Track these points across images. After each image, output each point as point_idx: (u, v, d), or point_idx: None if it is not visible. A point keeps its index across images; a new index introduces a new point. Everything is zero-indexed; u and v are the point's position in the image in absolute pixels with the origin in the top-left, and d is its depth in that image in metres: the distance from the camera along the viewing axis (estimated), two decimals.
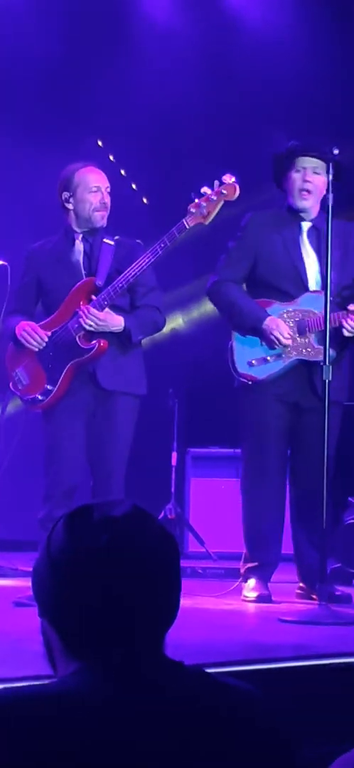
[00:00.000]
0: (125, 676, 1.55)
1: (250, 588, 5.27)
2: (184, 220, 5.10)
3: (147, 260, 5.11)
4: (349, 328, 5.21)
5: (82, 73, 7.65)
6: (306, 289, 5.31)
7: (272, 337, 5.24)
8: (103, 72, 7.75)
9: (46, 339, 5.25)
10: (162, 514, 7.12)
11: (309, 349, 5.28)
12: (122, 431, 5.29)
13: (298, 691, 3.48)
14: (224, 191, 5.12)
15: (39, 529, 5.13)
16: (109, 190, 5.34)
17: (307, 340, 5.29)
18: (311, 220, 5.38)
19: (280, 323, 5.25)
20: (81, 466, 5.31)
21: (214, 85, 8.03)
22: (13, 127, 7.41)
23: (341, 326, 5.20)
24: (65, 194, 5.32)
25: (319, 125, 7.45)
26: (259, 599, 5.20)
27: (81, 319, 5.13)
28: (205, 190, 5.15)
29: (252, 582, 5.28)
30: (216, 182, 5.15)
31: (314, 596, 4.98)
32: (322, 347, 4.99)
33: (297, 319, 5.28)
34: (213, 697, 1.58)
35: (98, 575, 1.57)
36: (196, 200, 5.12)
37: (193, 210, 5.11)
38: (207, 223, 5.17)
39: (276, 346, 5.26)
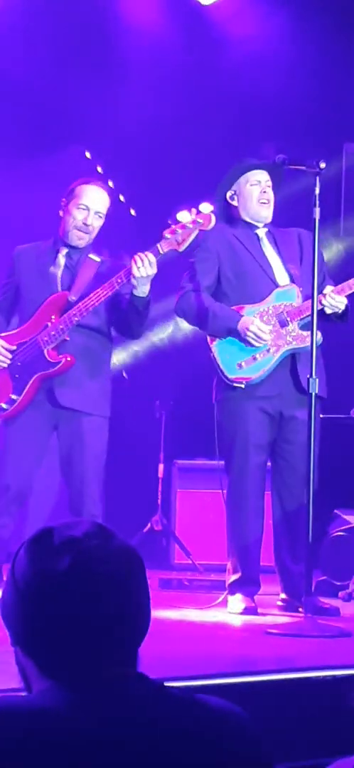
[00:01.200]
0: (97, 693, 1.55)
1: (237, 601, 5.27)
2: (158, 245, 5.09)
3: (120, 281, 5.09)
4: (328, 304, 5.27)
5: (70, 85, 7.65)
6: (275, 285, 5.38)
7: (249, 335, 5.24)
8: (90, 83, 7.75)
9: (10, 356, 5.24)
10: (148, 525, 7.12)
11: (296, 339, 5.30)
12: (91, 450, 5.28)
13: (284, 703, 3.48)
14: (200, 220, 5.12)
15: None
16: (101, 216, 5.31)
17: (291, 330, 5.31)
18: (265, 226, 5.51)
19: (255, 320, 5.27)
20: (30, 475, 5.28)
21: (202, 98, 8.05)
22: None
23: (321, 307, 5.23)
24: (63, 200, 5.35)
25: (307, 136, 7.48)
26: (246, 611, 5.20)
27: (139, 269, 5.01)
28: (181, 216, 5.17)
29: (238, 595, 5.28)
30: (193, 210, 5.16)
31: (300, 608, 4.98)
32: (309, 331, 5.05)
33: (275, 314, 5.31)
34: (187, 715, 1.58)
35: (64, 597, 1.57)
36: (172, 226, 5.13)
37: (168, 236, 5.10)
38: (181, 250, 5.18)
39: (256, 344, 5.26)
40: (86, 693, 1.54)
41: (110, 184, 8.14)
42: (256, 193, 5.44)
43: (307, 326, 5.22)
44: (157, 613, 5.21)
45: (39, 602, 1.59)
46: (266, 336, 5.26)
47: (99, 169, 8.20)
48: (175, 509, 7.38)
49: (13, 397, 5.22)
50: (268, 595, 5.52)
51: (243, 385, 5.30)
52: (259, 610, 5.25)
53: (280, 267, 5.43)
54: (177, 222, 5.15)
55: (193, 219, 5.12)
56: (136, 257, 5.02)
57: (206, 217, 5.15)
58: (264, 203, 5.45)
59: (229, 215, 5.54)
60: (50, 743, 1.47)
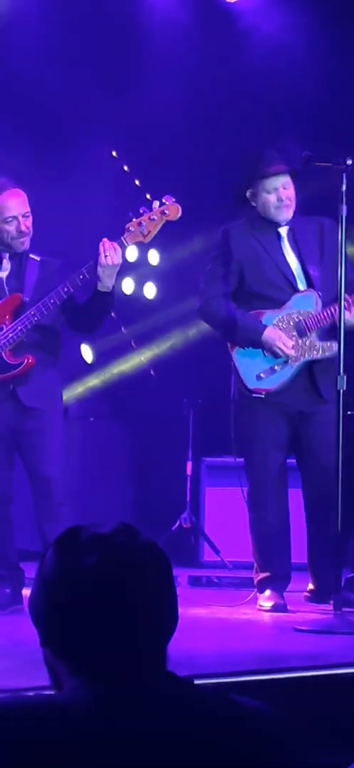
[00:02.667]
0: (127, 689, 1.56)
1: (266, 598, 5.27)
2: (122, 238, 5.09)
3: (82, 278, 5.06)
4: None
5: (92, 82, 7.67)
6: (295, 290, 5.35)
7: (275, 349, 5.25)
8: (114, 80, 7.78)
9: None
10: (177, 523, 7.13)
11: (314, 349, 5.30)
12: (52, 443, 5.22)
13: (314, 700, 3.48)
14: (167, 211, 5.10)
15: None
16: (27, 214, 5.24)
17: (310, 341, 5.30)
18: (287, 224, 5.43)
19: (281, 334, 5.26)
20: (6, 479, 5.23)
21: (226, 92, 8.04)
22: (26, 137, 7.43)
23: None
24: None
25: (328, 132, 7.45)
26: (275, 609, 5.20)
27: (106, 257, 5.01)
28: (144, 209, 5.14)
29: (267, 592, 5.29)
30: (156, 202, 5.13)
31: (328, 600, 4.97)
32: (326, 342, 5.06)
33: (294, 323, 5.29)
34: (217, 714, 1.58)
35: (91, 594, 1.58)
36: (135, 219, 5.11)
37: (132, 228, 5.10)
38: (147, 241, 5.20)
39: (280, 356, 5.27)
40: (116, 691, 1.55)
41: (114, 154, 8.16)
42: (272, 200, 5.36)
43: (324, 335, 5.26)
44: (187, 611, 5.22)
45: (67, 600, 1.60)
46: (289, 351, 5.25)
47: (125, 168, 8.22)
48: (204, 507, 7.38)
49: None
50: (297, 592, 5.52)
51: (263, 396, 5.30)
52: (289, 607, 5.25)
53: (299, 270, 5.38)
54: (141, 214, 5.13)
55: (159, 210, 5.11)
56: (103, 244, 5.01)
57: (173, 207, 5.12)
58: (280, 208, 5.36)
59: (249, 211, 5.50)
60: (81, 741, 1.49)
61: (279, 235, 5.43)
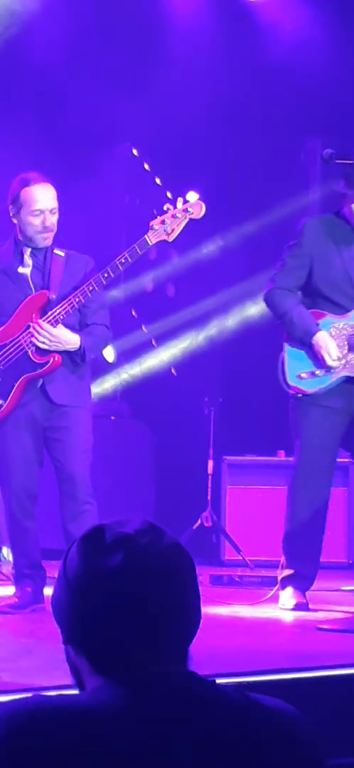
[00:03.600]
0: (150, 689, 1.56)
1: (287, 596, 5.25)
2: (145, 237, 5.05)
3: (108, 274, 5.03)
4: None
5: (114, 81, 7.69)
6: None
7: (320, 355, 5.22)
8: (135, 78, 7.79)
9: None
10: (198, 522, 7.13)
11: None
12: (80, 440, 5.21)
13: (337, 699, 3.47)
14: (190, 209, 5.08)
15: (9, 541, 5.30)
16: (54, 211, 5.19)
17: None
18: None
19: (329, 343, 5.21)
20: (35, 475, 5.23)
21: (246, 91, 8.03)
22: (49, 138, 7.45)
23: None
24: (11, 208, 5.22)
25: (351, 130, 7.43)
26: (297, 608, 5.18)
27: (33, 337, 5.07)
28: (168, 206, 5.10)
29: (289, 590, 5.27)
30: (180, 200, 5.10)
31: None
32: None
33: (348, 335, 5.23)
34: (240, 714, 1.58)
35: (116, 594, 1.58)
36: (159, 217, 5.08)
37: (156, 226, 5.06)
38: (171, 240, 5.13)
39: (324, 364, 5.23)
40: (139, 690, 1.55)
41: (146, 167, 8.15)
42: None
43: None
44: (208, 609, 5.22)
45: (91, 599, 1.60)
46: (332, 362, 5.20)
47: (146, 166, 8.22)
48: (225, 505, 7.38)
49: (0, 401, 5.16)
50: (324, 591, 5.51)
51: (300, 396, 5.28)
52: (311, 606, 5.23)
53: None
54: (164, 212, 5.09)
55: (183, 208, 5.08)
56: (32, 328, 5.09)
57: (196, 205, 5.09)
58: None
59: (339, 204, 5.35)
60: (105, 741, 1.49)
61: None
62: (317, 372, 5.25)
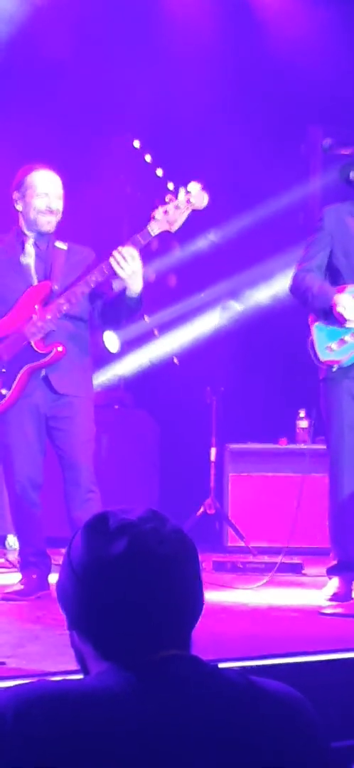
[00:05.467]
0: (154, 674, 1.59)
1: (330, 586, 5.15)
2: (147, 227, 5.04)
3: (111, 266, 4.99)
4: None
5: (116, 74, 7.71)
6: None
7: (337, 312, 5.16)
8: (137, 73, 7.80)
9: None
10: (201, 509, 7.17)
11: None
12: (83, 429, 5.24)
13: (339, 683, 3.51)
14: (193, 200, 5.07)
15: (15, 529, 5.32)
16: (60, 196, 5.23)
17: None
18: None
19: (346, 298, 5.17)
20: (38, 464, 5.26)
21: (248, 84, 8.06)
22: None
23: None
24: (16, 194, 5.25)
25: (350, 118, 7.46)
26: (334, 598, 5.07)
27: (122, 269, 4.93)
28: (170, 197, 5.09)
29: (334, 580, 5.16)
30: (182, 189, 5.09)
31: None
32: None
33: None
34: (243, 698, 1.60)
35: (120, 579, 1.61)
36: (161, 207, 5.06)
37: (157, 216, 5.05)
38: (173, 230, 5.11)
39: (345, 324, 5.18)
40: (143, 674, 1.58)
41: (136, 144, 8.13)
42: None
43: None
44: (212, 595, 5.27)
45: (96, 585, 1.62)
46: (350, 315, 5.16)
47: (148, 157, 8.24)
48: (228, 492, 7.43)
49: (3, 392, 5.17)
50: (321, 577, 5.54)
51: (334, 368, 5.22)
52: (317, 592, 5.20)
53: None
54: (166, 203, 5.08)
55: (186, 198, 5.06)
56: (114, 256, 4.94)
57: (199, 195, 5.08)
58: None
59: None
60: (109, 724, 1.51)
61: None
62: (346, 338, 5.22)
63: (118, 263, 4.94)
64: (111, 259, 4.96)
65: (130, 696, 1.55)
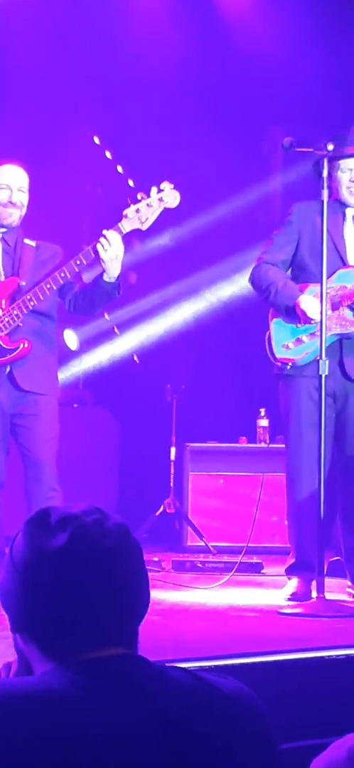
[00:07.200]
0: (97, 673, 1.56)
1: (288, 586, 5.17)
2: (119, 225, 5.03)
3: (79, 264, 5.02)
4: None
5: (76, 72, 7.67)
6: (344, 264, 5.26)
7: (301, 312, 5.17)
8: (97, 70, 7.77)
9: None
10: (161, 508, 7.16)
11: (343, 322, 5.21)
12: (47, 427, 5.22)
13: (297, 683, 3.51)
14: (165, 199, 5.07)
15: None
16: (23, 190, 5.23)
17: (341, 314, 5.22)
18: None
19: (310, 300, 5.18)
20: (0, 462, 5.20)
21: (211, 82, 8.06)
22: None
23: None
24: None
25: (315, 119, 7.48)
26: (292, 597, 5.06)
27: (106, 250, 4.95)
28: (141, 195, 5.09)
29: (294, 581, 5.16)
30: (154, 188, 5.08)
31: None
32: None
33: (330, 296, 5.18)
34: (190, 695, 1.58)
35: (62, 573, 1.58)
36: (133, 205, 5.06)
37: (129, 215, 5.05)
38: (144, 228, 5.11)
39: (306, 324, 5.19)
40: (87, 674, 1.55)
41: (96, 140, 8.11)
42: (345, 180, 5.24)
43: None
44: (171, 595, 5.25)
45: (38, 580, 1.59)
46: (313, 315, 5.15)
47: (108, 154, 8.21)
48: (188, 492, 7.42)
49: None
50: (278, 576, 5.54)
51: (289, 366, 5.24)
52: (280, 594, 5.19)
53: (352, 248, 5.30)
54: (138, 201, 5.08)
55: (158, 197, 5.06)
56: (101, 239, 4.96)
57: (171, 194, 5.07)
58: (351, 189, 5.25)
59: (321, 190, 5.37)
60: (50, 726, 1.48)
61: (344, 216, 5.32)
62: (304, 338, 5.24)
63: (102, 246, 4.95)
64: (98, 244, 4.96)
65: (73, 697, 1.52)
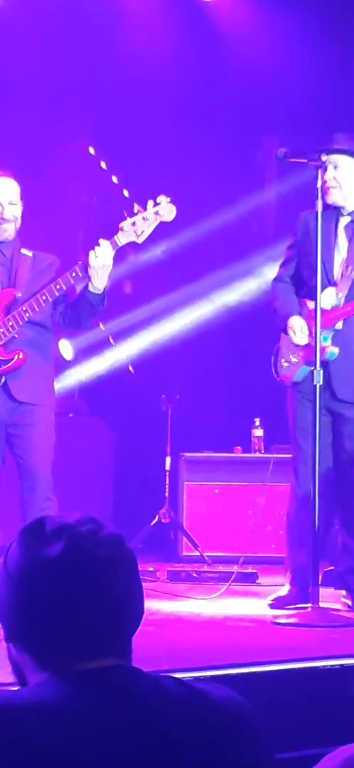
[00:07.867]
0: (90, 685, 1.55)
1: (278, 592, 5.20)
2: (115, 238, 5.03)
3: (75, 275, 5.01)
4: None
5: (70, 80, 7.69)
6: (329, 283, 5.21)
7: (289, 335, 5.20)
8: (92, 78, 7.79)
9: None
10: (156, 518, 7.16)
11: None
12: (43, 438, 5.22)
13: (292, 693, 3.51)
14: (161, 212, 5.06)
15: None
16: (15, 202, 5.21)
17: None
18: (349, 214, 5.28)
19: (297, 321, 5.20)
20: None
21: (203, 91, 8.08)
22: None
23: None
24: None
25: (309, 130, 7.50)
26: (275, 604, 5.11)
27: (96, 257, 4.93)
28: (138, 208, 5.08)
29: (286, 586, 5.22)
30: (150, 201, 5.07)
31: None
32: (327, 345, 5.04)
33: (308, 322, 5.18)
34: (184, 704, 1.58)
35: (57, 582, 1.58)
36: (129, 218, 5.07)
37: (125, 228, 5.04)
38: (140, 241, 5.11)
39: (296, 341, 5.20)
40: (81, 685, 1.55)
41: (91, 150, 8.13)
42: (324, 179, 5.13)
43: (335, 337, 5.15)
44: (166, 605, 5.25)
45: (32, 589, 1.59)
46: (298, 339, 5.18)
47: (103, 164, 8.23)
48: (183, 502, 7.42)
49: None
50: (274, 586, 5.55)
51: (288, 384, 5.29)
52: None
53: (339, 265, 5.25)
54: (135, 214, 5.08)
55: (154, 211, 5.06)
56: (96, 247, 4.95)
57: (167, 207, 5.07)
58: (327, 188, 5.17)
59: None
60: (43, 737, 1.47)
61: (337, 225, 5.28)
62: (291, 357, 5.26)
63: (95, 252, 4.93)
64: (91, 251, 4.94)
65: (66, 708, 1.51)
